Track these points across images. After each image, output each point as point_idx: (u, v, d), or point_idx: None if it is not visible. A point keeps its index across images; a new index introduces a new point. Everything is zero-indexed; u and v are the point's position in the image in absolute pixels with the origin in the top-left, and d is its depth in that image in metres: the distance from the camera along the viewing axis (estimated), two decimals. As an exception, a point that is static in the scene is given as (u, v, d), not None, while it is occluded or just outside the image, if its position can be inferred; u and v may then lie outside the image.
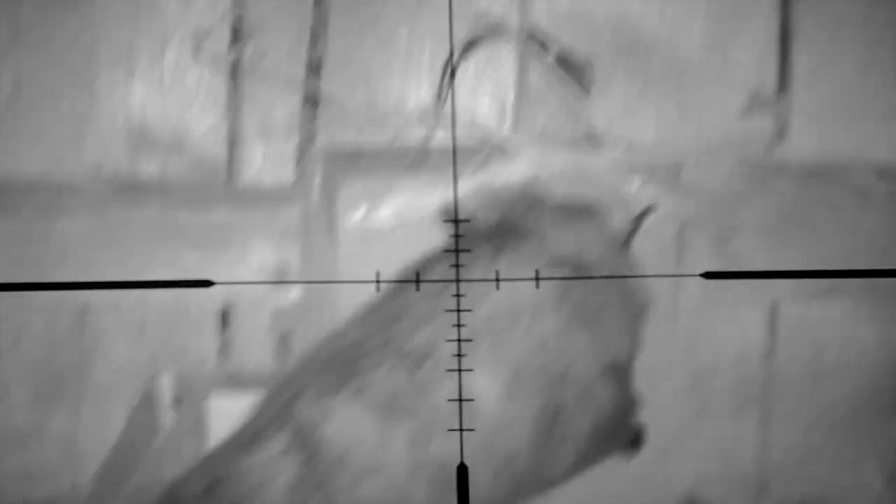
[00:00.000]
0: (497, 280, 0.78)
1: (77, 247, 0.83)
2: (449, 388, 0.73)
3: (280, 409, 0.72)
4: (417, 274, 0.75)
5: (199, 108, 0.83)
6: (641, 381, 0.85)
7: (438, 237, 0.82)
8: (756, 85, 0.86)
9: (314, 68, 0.84)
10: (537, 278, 0.81)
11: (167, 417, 0.83)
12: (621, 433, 0.79)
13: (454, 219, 0.81)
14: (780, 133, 0.86)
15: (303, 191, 0.83)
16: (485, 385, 0.72)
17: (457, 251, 0.78)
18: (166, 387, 0.83)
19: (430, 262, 0.79)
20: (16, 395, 0.82)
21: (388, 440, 0.70)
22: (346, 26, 0.84)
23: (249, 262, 0.83)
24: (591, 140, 0.85)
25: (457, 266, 0.77)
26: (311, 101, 0.83)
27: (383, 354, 0.72)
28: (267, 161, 0.83)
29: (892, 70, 0.87)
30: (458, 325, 0.75)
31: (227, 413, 0.79)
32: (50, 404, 0.82)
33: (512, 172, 0.84)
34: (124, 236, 0.82)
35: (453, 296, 0.75)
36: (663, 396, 0.87)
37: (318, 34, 0.84)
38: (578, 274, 0.77)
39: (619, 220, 0.82)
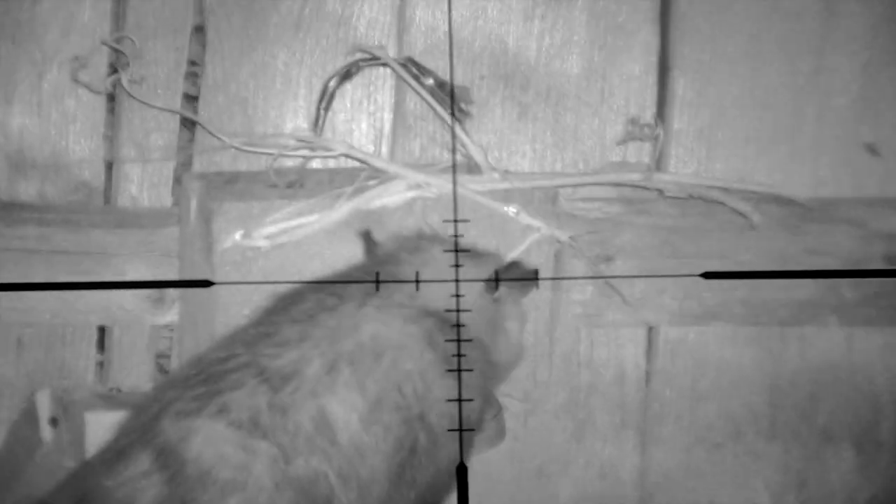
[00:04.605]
0: (497, 280, 0.78)
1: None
2: (308, 410, 0.73)
3: (143, 427, 0.72)
4: (417, 274, 0.75)
5: (77, 132, 0.85)
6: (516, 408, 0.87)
7: (318, 260, 0.83)
8: (634, 113, 0.87)
9: (191, 94, 0.85)
10: (537, 278, 0.81)
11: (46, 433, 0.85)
12: None
13: (454, 219, 0.81)
14: (658, 161, 0.87)
15: (180, 213, 0.85)
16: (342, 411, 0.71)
17: (456, 251, 0.78)
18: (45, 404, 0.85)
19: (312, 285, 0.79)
20: None
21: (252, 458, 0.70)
22: (224, 54, 0.84)
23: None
24: (468, 167, 0.86)
25: (456, 266, 0.77)
26: (188, 126, 0.84)
27: (245, 374, 0.72)
28: (144, 184, 0.85)
29: (769, 99, 0.88)
30: (458, 326, 0.75)
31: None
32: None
33: (388, 198, 0.85)
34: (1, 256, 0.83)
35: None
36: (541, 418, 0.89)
37: (195, 61, 0.85)
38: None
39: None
